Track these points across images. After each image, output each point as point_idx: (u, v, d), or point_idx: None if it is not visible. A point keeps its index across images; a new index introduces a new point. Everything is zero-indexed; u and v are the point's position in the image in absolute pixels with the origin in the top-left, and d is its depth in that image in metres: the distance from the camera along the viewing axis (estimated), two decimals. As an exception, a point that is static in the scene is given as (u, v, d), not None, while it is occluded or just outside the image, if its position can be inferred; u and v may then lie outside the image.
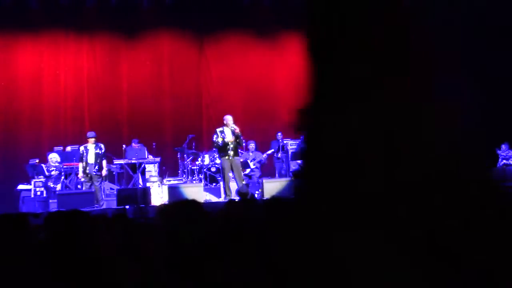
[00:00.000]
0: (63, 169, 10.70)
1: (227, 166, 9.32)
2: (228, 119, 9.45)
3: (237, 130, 9.33)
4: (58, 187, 10.47)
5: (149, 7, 13.10)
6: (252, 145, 11.45)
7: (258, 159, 11.48)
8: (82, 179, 9.79)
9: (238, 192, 8.48)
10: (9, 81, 12.72)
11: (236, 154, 9.36)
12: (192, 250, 2.01)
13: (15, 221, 2.20)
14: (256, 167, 11.43)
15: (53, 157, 10.63)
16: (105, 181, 10.79)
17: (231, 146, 9.28)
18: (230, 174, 9.52)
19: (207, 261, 2.00)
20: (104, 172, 9.89)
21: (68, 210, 2.29)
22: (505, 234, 0.90)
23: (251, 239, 2.14)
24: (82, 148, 9.88)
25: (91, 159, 9.70)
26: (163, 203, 9.65)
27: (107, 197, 10.28)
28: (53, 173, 10.47)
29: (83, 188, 9.82)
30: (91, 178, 9.67)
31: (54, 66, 12.92)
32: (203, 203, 9.11)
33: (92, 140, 9.83)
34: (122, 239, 2.25)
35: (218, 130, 9.45)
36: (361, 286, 0.77)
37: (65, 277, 1.95)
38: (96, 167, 9.67)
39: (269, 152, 11.80)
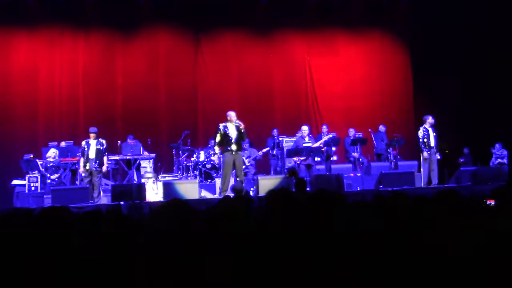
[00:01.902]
0: (60, 164, 10.66)
1: (229, 160, 9.22)
2: (232, 115, 9.37)
3: (242, 125, 9.22)
4: (54, 177, 10.43)
5: (145, 3, 13.05)
6: (246, 144, 11.42)
7: (253, 156, 11.47)
8: (83, 174, 9.72)
9: (233, 189, 8.45)
10: (4, 76, 12.65)
11: (239, 149, 9.29)
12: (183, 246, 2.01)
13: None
14: (251, 164, 11.43)
15: (53, 153, 10.60)
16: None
17: (234, 141, 9.20)
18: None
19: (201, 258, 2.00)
20: (104, 168, 9.82)
21: (58, 206, 2.28)
22: None
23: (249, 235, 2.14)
24: (83, 143, 9.79)
25: (92, 154, 9.62)
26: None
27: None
28: (50, 164, 10.43)
29: (84, 183, 9.75)
30: (91, 173, 9.61)
31: (49, 61, 12.86)
32: (198, 199, 9.12)
33: (93, 135, 9.75)
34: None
35: (221, 125, 9.31)
36: None
37: (59, 274, 1.95)
38: (97, 163, 9.60)
39: (265, 150, 11.78)
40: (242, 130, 9.20)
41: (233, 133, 9.19)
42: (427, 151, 9.97)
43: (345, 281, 1.99)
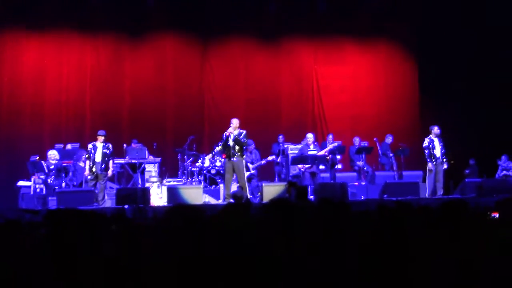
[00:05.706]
0: (62, 167, 10.69)
1: (228, 168, 9.30)
2: (231, 122, 9.45)
3: (235, 134, 9.24)
4: (63, 184, 10.48)
5: (153, 8, 13.12)
6: (252, 146, 11.39)
7: (256, 164, 11.42)
8: (89, 177, 9.74)
9: (233, 196, 8.48)
10: (13, 77, 12.75)
11: (238, 156, 9.28)
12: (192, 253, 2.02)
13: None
14: (256, 171, 11.42)
15: (52, 154, 10.63)
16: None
17: (233, 148, 9.24)
18: (233, 177, 9.48)
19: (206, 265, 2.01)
20: (110, 173, 9.84)
21: (67, 208, 2.30)
22: None
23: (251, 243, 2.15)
24: (90, 146, 9.79)
25: (98, 157, 9.64)
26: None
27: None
28: (51, 166, 10.46)
29: (89, 186, 9.78)
30: (96, 177, 9.62)
31: (57, 64, 12.95)
32: (201, 204, 9.13)
33: (102, 138, 9.75)
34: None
35: (225, 132, 9.45)
36: None
37: (65, 275, 1.96)
38: (103, 166, 9.62)
39: (270, 158, 11.71)
40: (237, 138, 9.20)
41: (230, 140, 9.25)
42: (432, 163, 9.95)
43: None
